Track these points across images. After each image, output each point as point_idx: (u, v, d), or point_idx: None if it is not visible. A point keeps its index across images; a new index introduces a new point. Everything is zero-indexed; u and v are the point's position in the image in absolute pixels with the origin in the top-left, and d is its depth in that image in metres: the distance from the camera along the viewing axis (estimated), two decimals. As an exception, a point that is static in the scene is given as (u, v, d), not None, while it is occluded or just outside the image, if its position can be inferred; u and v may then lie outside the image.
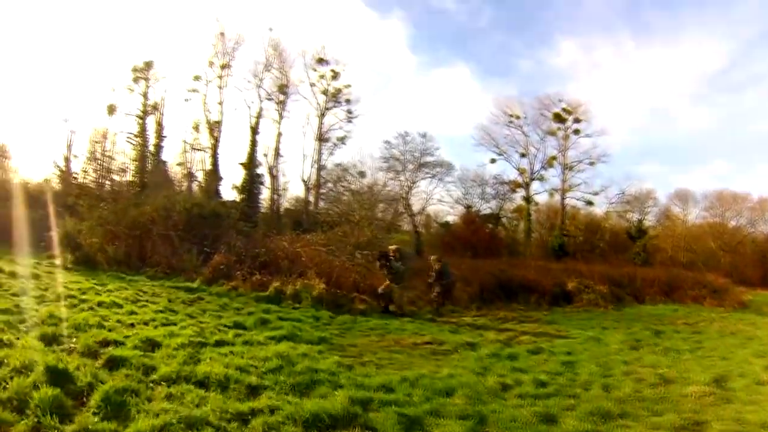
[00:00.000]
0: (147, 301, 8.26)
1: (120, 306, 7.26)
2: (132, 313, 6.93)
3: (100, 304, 7.20)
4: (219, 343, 5.54)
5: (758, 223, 31.44)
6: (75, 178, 22.84)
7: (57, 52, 43.06)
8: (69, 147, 23.86)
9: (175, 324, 6.48)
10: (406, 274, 10.83)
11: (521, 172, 30.07)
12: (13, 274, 8.78)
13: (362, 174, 28.02)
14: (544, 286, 14.43)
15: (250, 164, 25.32)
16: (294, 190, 28.63)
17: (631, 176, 35.46)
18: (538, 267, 16.88)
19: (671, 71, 48.05)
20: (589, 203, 29.05)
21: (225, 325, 6.87)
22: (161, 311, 7.41)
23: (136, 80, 25.50)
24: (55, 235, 12.74)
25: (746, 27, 47.26)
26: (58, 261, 11.83)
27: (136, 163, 24.41)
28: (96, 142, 23.71)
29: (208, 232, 14.19)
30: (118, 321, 6.19)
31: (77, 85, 42.61)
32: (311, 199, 27.77)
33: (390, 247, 11.50)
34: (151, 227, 13.87)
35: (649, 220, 30.53)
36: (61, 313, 6.00)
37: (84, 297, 7.58)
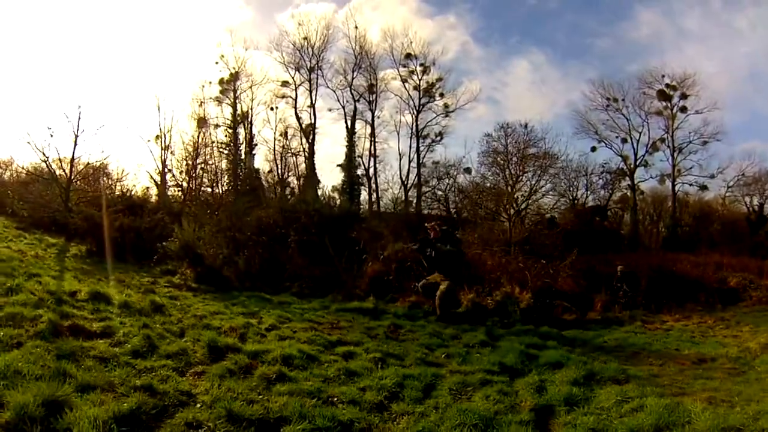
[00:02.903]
0: (341, 341, 5.96)
1: (314, 360, 4.94)
2: (350, 376, 4.53)
3: (288, 361, 4.73)
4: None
5: None
6: (177, 188, 23.91)
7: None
8: (162, 161, 24.98)
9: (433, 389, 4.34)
10: (461, 258, 8.78)
11: (624, 158, 28.64)
12: (126, 307, 6.05)
13: (468, 170, 27.64)
14: (708, 283, 13.68)
15: (349, 165, 25.68)
16: (392, 191, 28.70)
17: (752, 155, 31.98)
18: (690, 261, 15.93)
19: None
20: (704, 188, 27.30)
21: (491, 371, 4.91)
22: (380, 359, 5.10)
23: (223, 92, 26.66)
24: (169, 245, 11.19)
25: None
26: (176, 279, 9.93)
27: (229, 172, 25.35)
28: (187, 158, 24.69)
29: (346, 236, 12.98)
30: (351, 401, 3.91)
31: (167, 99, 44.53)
32: (411, 199, 27.75)
33: (427, 224, 9.05)
34: (281, 231, 12.89)
35: (772, 204, 28.17)
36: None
37: (258, 347, 5.11)
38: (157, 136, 24.74)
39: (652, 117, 28.11)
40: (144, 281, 9.12)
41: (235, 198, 17.46)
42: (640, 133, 28.19)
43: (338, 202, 24.63)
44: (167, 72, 46.14)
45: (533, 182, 27.57)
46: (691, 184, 27.45)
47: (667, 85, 27.86)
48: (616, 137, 28.64)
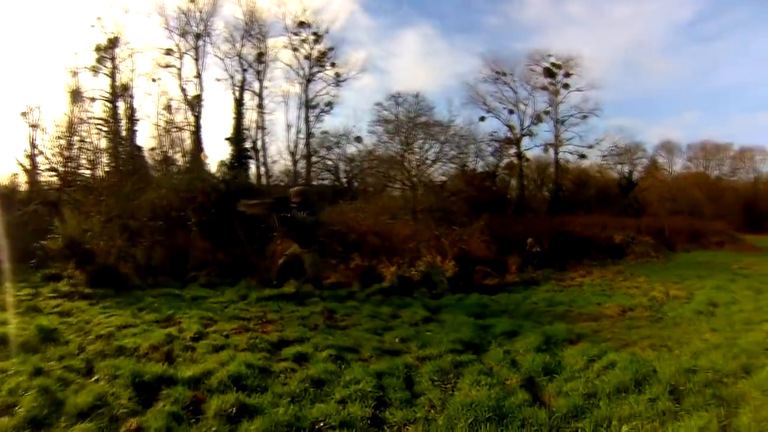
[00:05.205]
0: (283, 340, 5.18)
1: (267, 372, 4.18)
2: (318, 387, 3.88)
3: (239, 382, 3.86)
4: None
5: (740, 172, 35.77)
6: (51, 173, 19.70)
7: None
8: (32, 142, 20.43)
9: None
10: (317, 230, 8.42)
11: (511, 128, 30.92)
12: (3, 342, 4.66)
13: (359, 139, 27.35)
14: (598, 241, 15.42)
15: (238, 138, 23.70)
16: (282, 162, 27.43)
17: (624, 129, 37.28)
18: (579, 223, 17.77)
19: (642, 23, 50.34)
20: (582, 156, 30.67)
21: (456, 350, 4.72)
22: (337, 357, 4.54)
23: (100, 60, 22.59)
24: (50, 244, 9.26)
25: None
26: (63, 285, 8.01)
27: (109, 152, 21.73)
28: (61, 135, 20.51)
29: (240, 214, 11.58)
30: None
31: (34, 71, 35.68)
32: (300, 170, 26.84)
33: (292, 190, 8.75)
34: (179, 214, 11.44)
35: (638, 172, 33.15)
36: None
37: (194, 369, 4.09)
38: (24, 113, 20.33)
39: (538, 91, 30.68)
40: (23, 294, 7.28)
41: (118, 180, 14.89)
42: (527, 106, 30.60)
43: (233, 177, 22.81)
44: (32, 36, 37.57)
45: (424, 150, 28.53)
46: (571, 153, 30.72)
47: (553, 64, 30.52)
48: (504, 108, 30.74)
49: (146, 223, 10.77)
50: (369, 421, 3.27)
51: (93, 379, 3.89)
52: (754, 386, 3.62)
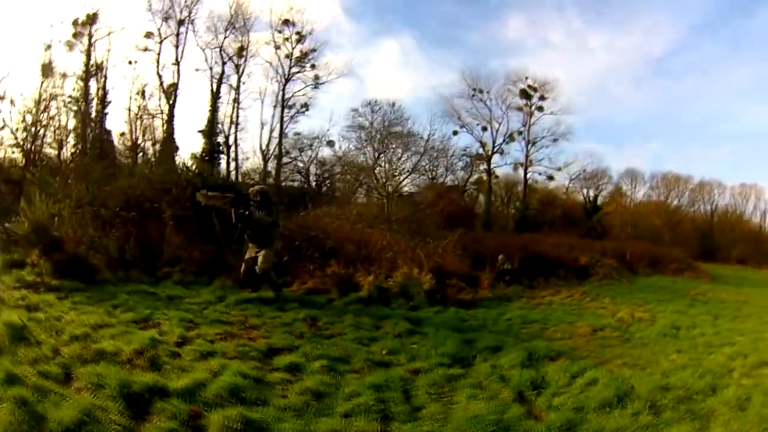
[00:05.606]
0: (271, 348, 5.06)
1: (263, 383, 4.02)
2: (318, 399, 3.83)
3: (237, 394, 3.67)
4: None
5: (698, 203, 38.20)
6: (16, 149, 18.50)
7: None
8: None
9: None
10: (276, 231, 8.14)
11: (483, 144, 31.88)
12: None
13: (331, 143, 27.46)
14: (564, 261, 16.03)
15: (211, 131, 23.29)
16: (253, 160, 27.16)
17: (593, 154, 39.41)
18: (549, 243, 18.45)
19: (616, 54, 53.09)
20: (551, 178, 32.06)
21: (444, 364, 4.82)
22: (329, 368, 4.48)
23: (76, 36, 21.72)
24: (15, 227, 8.46)
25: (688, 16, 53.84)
26: (27, 274, 7.28)
27: (77, 132, 20.81)
28: (29, 110, 19.44)
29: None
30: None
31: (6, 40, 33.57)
32: (270, 170, 26.66)
33: (252, 188, 8.58)
34: (152, 205, 10.66)
35: (603, 197, 34.83)
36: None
37: (186, 379, 3.80)
38: None
39: (512, 111, 31.88)
40: None
41: (86, 163, 14.12)
42: (500, 124, 31.77)
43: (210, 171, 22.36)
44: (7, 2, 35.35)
45: (396, 159, 28.93)
46: (540, 174, 32.13)
47: (529, 86, 31.90)
48: (478, 125, 31.76)
49: (119, 213, 10.07)
50: (377, 435, 3.25)
51: (73, 387, 3.49)
52: (722, 403, 4.00)
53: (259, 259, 7.74)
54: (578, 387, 4.25)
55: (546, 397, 4.00)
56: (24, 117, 18.36)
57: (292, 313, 7.06)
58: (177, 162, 22.20)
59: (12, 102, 18.60)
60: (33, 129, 18.15)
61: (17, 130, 18.12)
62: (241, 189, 12.11)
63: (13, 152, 17.69)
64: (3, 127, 18.32)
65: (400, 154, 27.56)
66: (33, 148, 17.65)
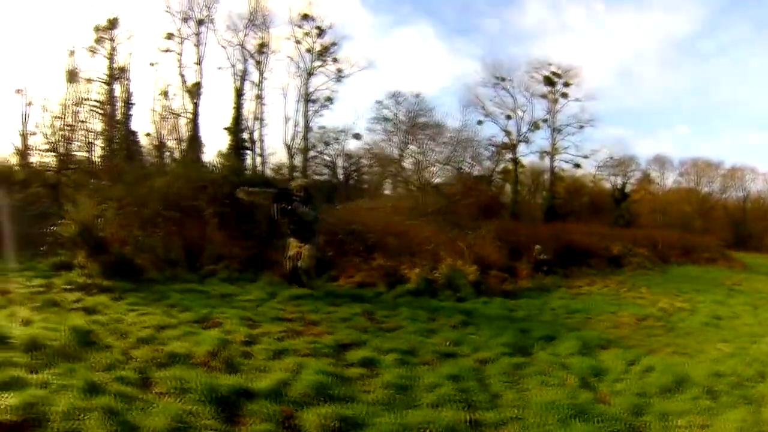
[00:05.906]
0: (339, 343, 5.12)
1: (343, 379, 4.07)
2: (402, 392, 3.94)
3: (323, 391, 3.72)
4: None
5: (729, 190, 37.59)
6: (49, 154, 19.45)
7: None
8: (25, 122, 20.23)
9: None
10: (318, 226, 8.21)
11: (508, 133, 31.82)
12: (36, 348, 3.88)
13: (357, 136, 27.91)
14: (596, 251, 16.22)
15: (236, 128, 24.02)
16: (277, 155, 27.82)
17: (620, 141, 39.06)
18: (581, 232, 18.57)
19: (641, 35, 51.83)
20: (577, 166, 31.87)
21: (507, 353, 5.14)
22: (402, 361, 4.64)
23: (99, 41, 22.62)
24: (62, 230, 8.58)
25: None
26: (77, 276, 7.43)
27: (105, 135, 21.76)
28: (59, 115, 20.35)
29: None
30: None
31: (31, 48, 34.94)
32: (297, 164, 27.24)
33: (294, 183, 8.49)
34: (192, 204, 10.98)
35: (631, 184, 34.46)
36: None
37: (267, 380, 3.82)
38: (18, 90, 19.97)
39: (536, 99, 31.69)
40: (35, 285, 6.57)
41: (117, 164, 14.86)
42: (524, 112, 31.62)
43: (243, 168, 23.08)
44: (30, 12, 36.73)
45: (423, 150, 29.15)
46: (566, 162, 31.88)
47: (553, 73, 31.62)
48: (502, 113, 31.66)
49: (160, 212, 10.36)
50: (468, 424, 3.44)
51: (154, 393, 3.46)
52: (771, 389, 4.34)
53: (304, 254, 7.91)
54: (636, 374, 4.65)
55: (608, 383, 4.42)
56: (53, 122, 19.31)
57: (347, 308, 7.24)
58: (205, 160, 23.05)
59: (44, 108, 19.52)
60: (63, 133, 19.04)
61: (50, 134, 19.08)
62: (277, 184, 12.60)
63: (47, 157, 18.59)
64: (34, 133, 19.30)
65: (430, 146, 27.85)
66: (65, 151, 18.53)
